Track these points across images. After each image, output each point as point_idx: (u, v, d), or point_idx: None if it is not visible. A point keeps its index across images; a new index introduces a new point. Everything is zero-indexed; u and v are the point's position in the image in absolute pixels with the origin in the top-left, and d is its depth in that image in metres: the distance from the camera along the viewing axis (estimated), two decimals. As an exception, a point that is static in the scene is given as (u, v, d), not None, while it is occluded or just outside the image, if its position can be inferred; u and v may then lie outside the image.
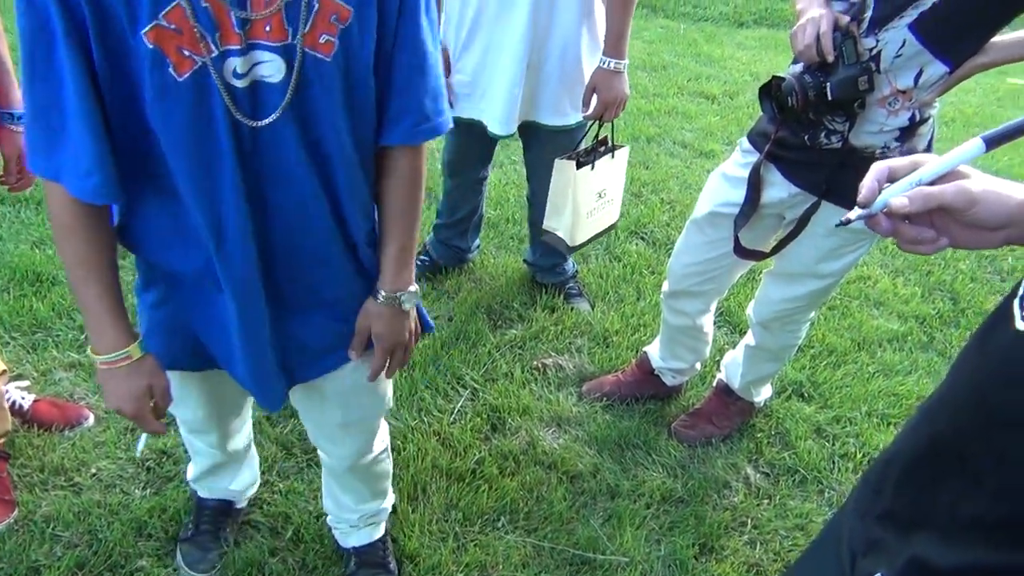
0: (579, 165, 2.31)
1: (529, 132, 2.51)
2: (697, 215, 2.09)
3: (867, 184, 0.83)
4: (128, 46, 1.02)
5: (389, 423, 2.28)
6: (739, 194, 1.94)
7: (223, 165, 1.12)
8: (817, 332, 2.89)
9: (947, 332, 3.04)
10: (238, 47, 1.05)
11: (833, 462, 2.37)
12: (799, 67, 1.69)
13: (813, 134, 1.78)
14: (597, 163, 2.35)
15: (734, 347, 2.50)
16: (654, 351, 2.50)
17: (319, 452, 1.73)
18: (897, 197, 0.80)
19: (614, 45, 2.23)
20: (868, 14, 1.63)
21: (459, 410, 2.38)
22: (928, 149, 1.80)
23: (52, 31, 1.00)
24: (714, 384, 2.49)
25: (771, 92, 1.74)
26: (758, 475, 2.30)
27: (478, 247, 3.04)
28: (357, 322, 1.37)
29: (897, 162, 0.84)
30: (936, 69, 1.63)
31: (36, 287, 2.60)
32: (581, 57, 2.32)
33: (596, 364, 2.63)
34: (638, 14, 7.44)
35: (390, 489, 1.87)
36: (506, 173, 3.67)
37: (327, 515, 1.90)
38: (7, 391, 2.04)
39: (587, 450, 2.30)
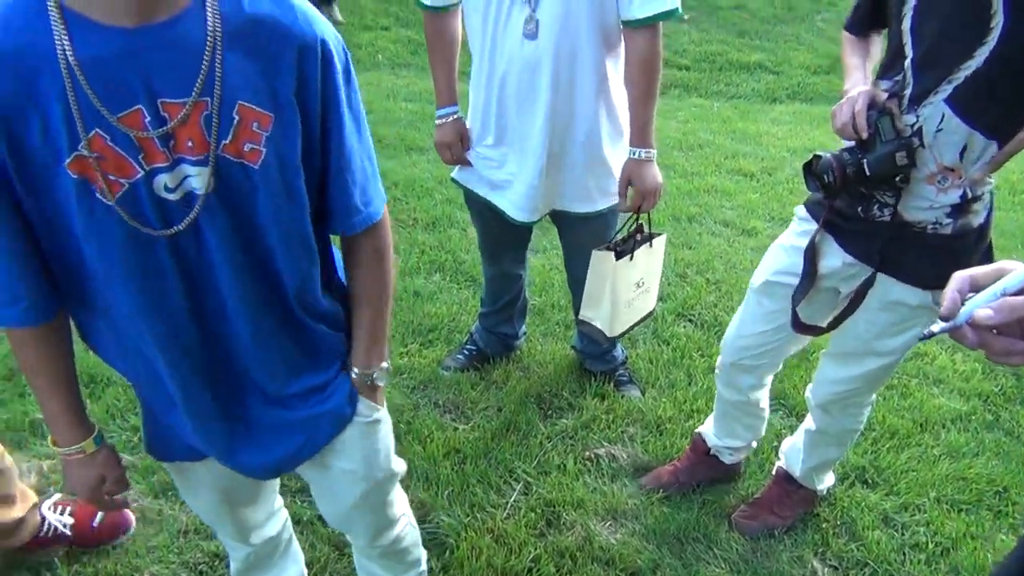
0: (617, 256, 2.29)
1: (560, 219, 2.51)
2: (754, 284, 2.09)
3: (948, 295, 0.81)
4: (52, 180, 1.05)
5: (441, 519, 2.24)
6: (795, 263, 1.94)
7: (166, 278, 1.15)
8: (877, 414, 2.80)
9: (1013, 410, 2.93)
10: (165, 164, 1.08)
11: (904, 553, 2.27)
12: (843, 144, 1.72)
13: (866, 206, 1.79)
14: (635, 252, 2.33)
15: (791, 432, 2.44)
16: (708, 430, 2.44)
17: (346, 535, 1.72)
18: (981, 309, 0.78)
19: (640, 135, 2.23)
20: (908, 91, 1.65)
21: (512, 504, 2.33)
22: (985, 225, 1.77)
23: None
24: (774, 472, 2.42)
25: (812, 169, 1.76)
26: (826, 569, 2.21)
27: (524, 334, 3.02)
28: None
29: (979, 271, 0.81)
30: (980, 143, 1.62)
31: (91, 388, 2.62)
32: (603, 142, 2.31)
33: (650, 453, 2.57)
34: (671, 94, 7.56)
35: (422, 555, 1.82)
36: (549, 258, 3.68)
37: None
38: (45, 516, 2.04)
39: (646, 545, 2.23)
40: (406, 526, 1.71)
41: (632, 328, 2.50)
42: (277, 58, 1.10)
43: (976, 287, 0.81)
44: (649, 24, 2.09)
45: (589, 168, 2.34)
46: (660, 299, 3.48)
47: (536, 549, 2.18)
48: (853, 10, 1.92)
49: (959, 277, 0.82)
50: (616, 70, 2.25)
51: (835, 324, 1.96)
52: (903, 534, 2.33)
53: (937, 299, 1.79)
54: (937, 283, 1.78)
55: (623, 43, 2.21)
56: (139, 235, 1.10)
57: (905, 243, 1.77)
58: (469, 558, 2.13)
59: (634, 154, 2.24)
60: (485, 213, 2.48)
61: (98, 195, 1.05)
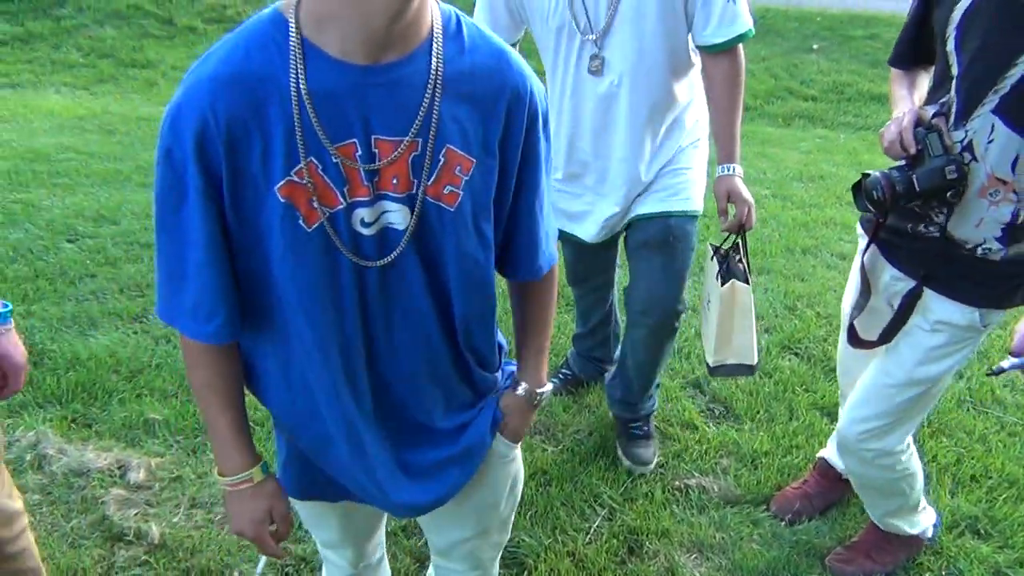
0: (724, 280, 2.18)
1: (633, 225, 2.38)
2: (844, 309, 2.10)
3: (1019, 333, 0.78)
4: (261, 201, 1.07)
5: (522, 539, 2.23)
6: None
7: (347, 311, 1.16)
8: (996, 461, 2.62)
9: None
10: (366, 198, 1.10)
11: (1016, 611, 2.11)
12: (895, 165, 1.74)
13: (915, 223, 1.78)
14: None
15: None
16: (834, 457, 2.37)
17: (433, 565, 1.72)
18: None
19: (727, 152, 2.20)
20: (955, 107, 1.66)
21: (595, 530, 2.30)
22: None
23: (186, 186, 1.06)
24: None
25: (864, 189, 1.77)
26: (926, 621, 2.07)
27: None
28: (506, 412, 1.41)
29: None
30: None
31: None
32: (684, 155, 2.32)
33: (743, 487, 2.49)
34: (796, 125, 7.37)
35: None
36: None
37: None
38: None
39: (731, 581, 2.16)
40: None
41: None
42: (489, 106, 1.13)
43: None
44: (728, 49, 2.11)
45: (667, 180, 2.32)
46: (766, 331, 3.39)
47: (616, 576, 2.15)
48: (896, 44, 1.94)
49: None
50: (689, 89, 2.25)
51: (886, 337, 1.91)
52: (1017, 591, 2.17)
53: (986, 320, 1.78)
54: (985, 302, 1.76)
55: (693, 61, 2.21)
56: (331, 265, 1.13)
57: (953, 261, 1.76)
58: (547, 580, 2.11)
59: (725, 170, 2.20)
60: (563, 238, 2.45)
61: (300, 222, 1.08)
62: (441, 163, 1.11)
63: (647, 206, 2.31)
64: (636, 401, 2.58)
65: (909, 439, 2.02)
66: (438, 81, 1.08)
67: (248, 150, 1.05)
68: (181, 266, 1.12)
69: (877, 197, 1.71)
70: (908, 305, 1.85)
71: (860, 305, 1.96)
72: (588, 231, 2.37)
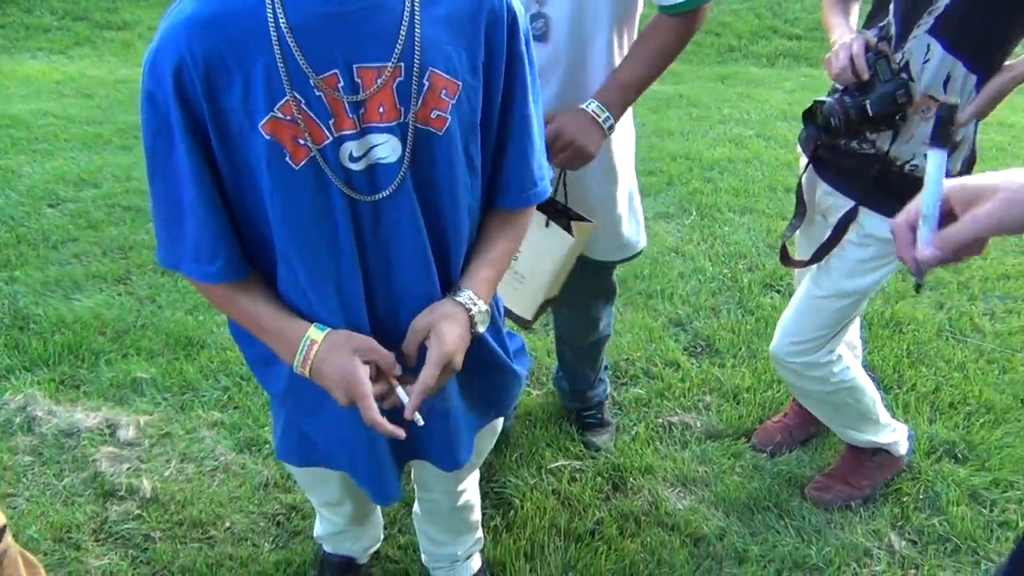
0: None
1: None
2: None
3: (905, 255, 0.89)
4: (246, 139, 1.08)
5: (508, 480, 2.28)
6: None
7: (343, 246, 1.16)
8: (973, 387, 2.66)
9: None
10: (353, 131, 1.10)
11: (991, 530, 2.15)
12: (838, 91, 1.76)
13: (848, 140, 1.83)
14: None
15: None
16: None
17: (417, 500, 1.77)
18: (927, 251, 0.86)
19: (613, 94, 1.76)
20: (892, 31, 1.71)
21: (579, 468, 2.34)
22: (966, 171, 1.81)
23: (171, 128, 1.06)
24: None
25: (814, 116, 1.79)
26: (903, 543, 2.12)
27: None
28: (416, 319, 1.23)
29: (906, 215, 0.91)
30: (961, 73, 1.67)
31: (187, 351, 2.79)
32: (612, 149, 1.92)
33: (725, 422, 2.53)
34: (780, 64, 7.31)
35: (480, 516, 1.88)
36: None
37: (423, 556, 1.94)
38: None
39: (714, 512, 2.20)
40: (475, 485, 1.77)
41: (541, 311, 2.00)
42: (468, 28, 1.12)
43: (913, 224, 0.89)
44: (691, 10, 1.73)
45: (609, 196, 1.97)
46: (749, 270, 3.41)
47: (600, 512, 2.19)
48: None
49: (901, 233, 0.90)
50: (623, 50, 1.85)
51: (818, 256, 1.95)
52: (992, 511, 2.21)
53: None
54: None
55: (634, 21, 1.85)
56: (319, 201, 1.12)
57: (883, 177, 1.81)
58: (533, 517, 2.16)
59: (590, 105, 1.74)
60: None
61: (287, 159, 1.08)
62: (426, 87, 1.11)
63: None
64: (584, 389, 2.46)
65: (840, 350, 2.06)
66: (415, 3, 1.08)
67: (228, 87, 1.05)
68: (177, 209, 1.12)
69: (834, 124, 1.72)
70: (843, 226, 1.89)
71: (794, 226, 2.02)
72: None
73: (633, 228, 2.07)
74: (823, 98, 1.76)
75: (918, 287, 0.90)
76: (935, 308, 3.15)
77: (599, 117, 1.73)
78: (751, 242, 3.63)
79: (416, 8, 1.08)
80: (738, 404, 2.61)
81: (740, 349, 2.87)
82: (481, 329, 1.27)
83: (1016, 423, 2.53)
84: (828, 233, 1.91)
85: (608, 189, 1.96)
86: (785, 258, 2.05)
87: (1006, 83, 1.66)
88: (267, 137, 1.06)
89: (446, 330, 1.20)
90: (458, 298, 1.24)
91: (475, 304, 1.24)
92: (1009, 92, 1.68)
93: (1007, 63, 1.68)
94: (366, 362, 1.18)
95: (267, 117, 1.06)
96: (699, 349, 2.90)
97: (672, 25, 1.74)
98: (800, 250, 2.11)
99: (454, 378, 1.32)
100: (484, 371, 1.39)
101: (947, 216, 0.86)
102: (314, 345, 1.18)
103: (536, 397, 2.63)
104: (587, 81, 1.79)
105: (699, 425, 2.52)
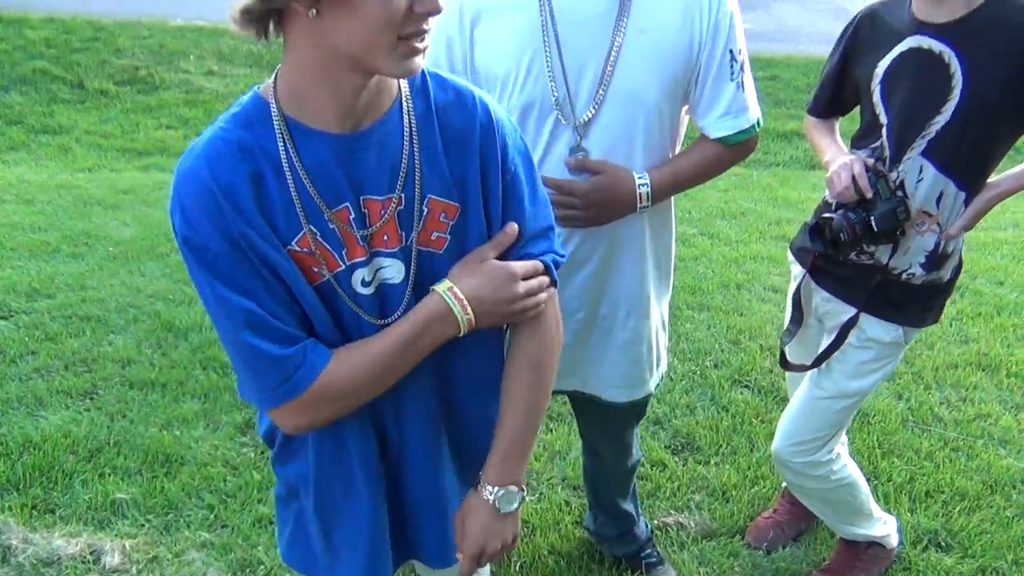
0: None
1: (583, 402, 2.02)
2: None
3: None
4: (272, 259, 1.10)
5: (516, 592, 2.25)
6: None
7: None
8: (945, 475, 2.78)
9: (1084, 469, 2.89)
10: (363, 258, 1.15)
11: (986, 618, 2.23)
12: (839, 208, 1.89)
13: (846, 253, 1.95)
14: None
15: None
16: None
17: None
18: None
19: (662, 174, 1.71)
20: (887, 154, 1.86)
21: (584, 574, 2.34)
22: (950, 282, 1.98)
23: (219, 261, 1.08)
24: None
25: (821, 232, 1.92)
26: (906, 635, 2.18)
27: None
28: (455, 518, 1.34)
29: None
30: (952, 191, 1.83)
31: (166, 468, 2.70)
32: (650, 302, 1.87)
33: (717, 520, 2.57)
34: (709, 164, 7.65)
35: None
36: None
37: None
38: None
39: (721, 613, 2.22)
40: None
41: None
42: (464, 146, 1.19)
43: None
44: (735, 144, 1.73)
45: (632, 342, 1.88)
46: (715, 366, 3.51)
47: (611, 619, 2.19)
48: (815, 97, 2.13)
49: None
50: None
51: (820, 361, 2.05)
52: (982, 599, 2.30)
53: (907, 336, 1.99)
54: (908, 321, 1.98)
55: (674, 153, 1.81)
56: (331, 323, 1.16)
57: (882, 286, 1.94)
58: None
59: (638, 180, 1.69)
60: None
61: (303, 282, 1.13)
62: (426, 213, 1.17)
63: (608, 388, 1.94)
64: (631, 527, 2.35)
65: (838, 449, 2.16)
66: (413, 136, 1.15)
67: (253, 217, 1.08)
68: (264, 326, 1.10)
69: (843, 239, 1.85)
70: (845, 332, 2.00)
71: (792, 332, 2.12)
72: None
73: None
74: (829, 214, 1.89)
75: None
76: (895, 398, 3.29)
77: (638, 183, 1.68)
78: (713, 339, 3.75)
79: (415, 140, 1.15)
80: (727, 502, 2.66)
81: (721, 446, 2.94)
82: (506, 510, 1.29)
83: (989, 509, 2.65)
84: (828, 338, 2.02)
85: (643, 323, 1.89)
86: (785, 362, 2.15)
87: (991, 199, 1.84)
88: (294, 262, 1.11)
89: (470, 523, 1.30)
90: (481, 493, 1.29)
91: (492, 493, 1.28)
92: (993, 207, 1.84)
93: (989, 180, 1.85)
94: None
95: (286, 249, 1.10)
96: (681, 447, 2.96)
97: (723, 154, 1.75)
98: (792, 353, 2.21)
99: (448, 464, 1.37)
100: (472, 433, 1.40)
101: None
102: (451, 289, 1.18)
103: (530, 503, 2.62)
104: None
105: (693, 525, 2.56)
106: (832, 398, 2.04)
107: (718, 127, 1.71)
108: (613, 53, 1.59)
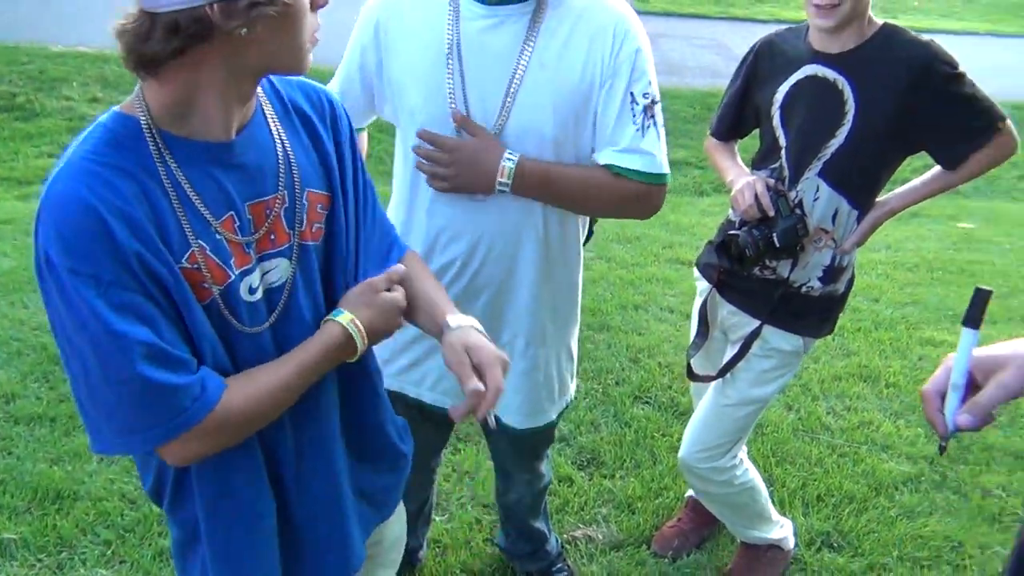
0: None
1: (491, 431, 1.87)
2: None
3: (935, 419, 0.97)
4: (164, 278, 1.07)
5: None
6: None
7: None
8: (833, 480, 2.93)
9: (957, 470, 3.10)
10: (251, 265, 1.16)
11: (876, 611, 2.36)
12: (743, 226, 1.99)
13: (750, 269, 2.06)
14: None
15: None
16: None
17: None
18: (963, 418, 0.95)
19: (535, 167, 1.66)
20: (786, 174, 1.98)
21: (497, 592, 2.36)
22: (843, 295, 2.12)
23: (108, 286, 1.01)
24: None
25: (728, 249, 2.02)
26: (805, 632, 2.28)
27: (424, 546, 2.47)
28: (449, 360, 1.25)
29: (934, 384, 0.99)
30: (846, 209, 1.97)
31: (58, 505, 2.58)
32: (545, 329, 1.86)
33: (625, 532, 2.64)
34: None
35: None
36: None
37: None
38: None
39: (630, 621, 2.28)
40: None
41: None
42: (318, 135, 1.25)
43: (941, 391, 0.98)
44: (621, 176, 1.65)
45: (531, 370, 1.88)
46: (617, 383, 3.60)
47: (524, 633, 2.21)
48: (719, 120, 2.25)
49: (930, 398, 0.99)
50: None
51: (725, 371, 2.16)
52: (872, 593, 2.43)
53: (807, 346, 2.12)
54: (807, 332, 2.11)
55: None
56: (225, 338, 1.14)
57: (784, 299, 2.06)
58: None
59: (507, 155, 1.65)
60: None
61: (192, 300, 1.09)
62: (307, 206, 1.21)
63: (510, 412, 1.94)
64: (543, 544, 2.37)
65: (740, 455, 2.27)
66: (280, 134, 1.19)
67: (146, 235, 1.03)
68: (164, 356, 1.05)
69: (748, 254, 1.95)
70: (749, 343, 2.11)
71: (698, 344, 2.22)
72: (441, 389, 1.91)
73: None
74: (734, 232, 1.99)
75: (942, 450, 1.04)
76: (786, 409, 3.45)
77: (505, 157, 1.62)
78: (614, 358, 3.85)
79: (283, 137, 1.19)
80: (633, 513, 2.73)
81: (625, 460, 3.02)
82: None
83: (875, 510, 2.81)
84: (732, 349, 2.12)
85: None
86: (692, 374, 2.24)
87: (881, 217, 1.99)
88: (184, 280, 1.08)
89: (473, 344, 1.24)
90: (453, 327, 1.28)
91: (468, 321, 1.30)
92: (883, 224, 2.00)
93: (879, 199, 2.00)
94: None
95: (177, 266, 1.07)
96: (586, 463, 3.02)
97: (606, 180, 1.66)
98: (697, 365, 2.30)
99: (345, 475, 1.37)
100: (375, 456, 1.44)
101: (971, 385, 0.97)
102: (352, 321, 1.22)
103: (441, 523, 2.63)
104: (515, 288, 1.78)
105: (601, 537, 2.61)
106: (736, 405, 2.14)
107: (606, 156, 1.65)
108: (514, 85, 1.61)
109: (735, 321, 2.15)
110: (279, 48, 1.03)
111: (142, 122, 1.05)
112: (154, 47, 0.98)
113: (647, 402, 3.47)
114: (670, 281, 4.91)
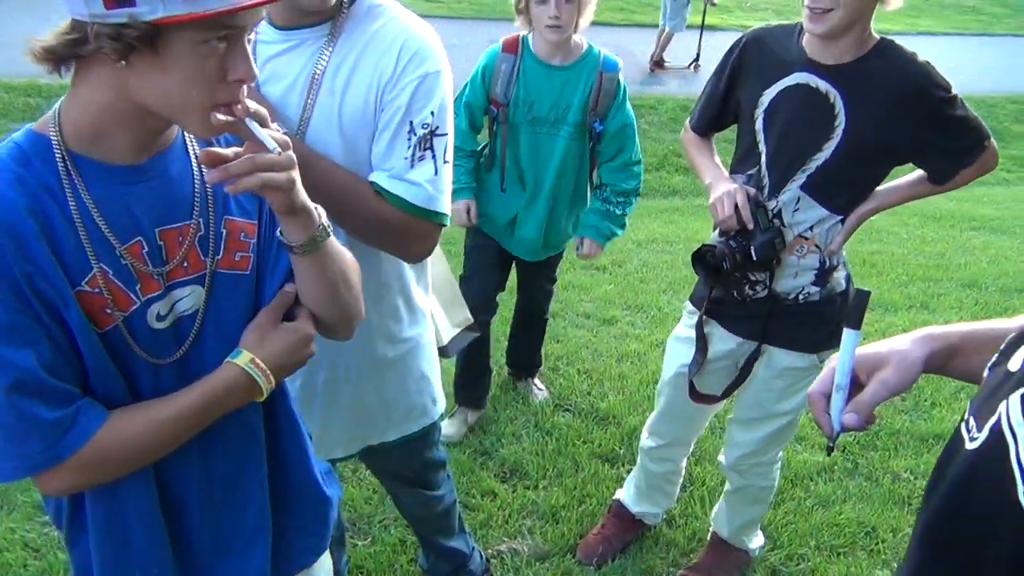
0: None
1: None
2: (665, 377, 2.32)
3: (821, 420, 0.99)
4: (58, 307, 1.04)
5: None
6: (692, 351, 2.17)
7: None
8: (751, 475, 2.99)
9: (868, 456, 3.20)
10: (159, 292, 1.12)
11: (797, 601, 2.41)
12: (721, 236, 1.96)
13: (740, 289, 2.04)
14: None
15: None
16: (629, 498, 2.62)
17: None
18: (848, 417, 0.96)
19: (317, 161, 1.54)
20: (766, 183, 1.94)
21: (423, 613, 2.32)
22: (847, 290, 2.06)
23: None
24: (708, 537, 2.58)
25: (704, 259, 1.97)
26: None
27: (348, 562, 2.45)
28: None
29: (820, 385, 1.00)
30: (828, 217, 1.96)
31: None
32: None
33: (550, 542, 2.63)
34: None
35: None
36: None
37: None
38: None
39: (559, 632, 2.27)
40: None
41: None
42: None
43: (826, 392, 1.00)
44: (380, 194, 1.52)
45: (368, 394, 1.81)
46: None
47: (453, 654, 2.18)
48: (699, 114, 2.17)
49: (816, 400, 1.01)
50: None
51: (727, 393, 2.19)
52: (793, 584, 2.48)
53: (822, 357, 2.07)
54: (818, 346, 2.05)
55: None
56: (125, 369, 1.10)
57: (783, 316, 2.04)
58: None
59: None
60: None
61: (91, 328, 1.06)
62: (224, 235, 1.17)
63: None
64: (465, 563, 2.35)
65: (781, 454, 2.34)
66: (198, 159, 1.16)
67: (39, 255, 1.01)
68: (38, 386, 1.02)
69: (726, 267, 1.92)
70: (749, 364, 2.12)
71: (698, 361, 2.16)
72: None
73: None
74: (712, 243, 1.95)
75: (830, 450, 1.06)
76: (703, 409, 3.51)
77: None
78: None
79: (202, 166, 1.15)
80: (558, 523, 2.73)
81: (548, 470, 3.02)
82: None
83: (792, 501, 2.88)
84: (734, 373, 2.15)
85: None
86: (694, 393, 2.19)
87: (865, 214, 1.98)
88: (80, 308, 1.05)
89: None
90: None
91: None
92: (867, 219, 2.00)
93: None
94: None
95: (75, 290, 1.04)
96: (509, 474, 3.01)
97: (368, 193, 1.53)
98: (699, 382, 2.23)
99: (264, 525, 1.31)
100: (297, 496, 1.39)
101: (855, 384, 0.99)
102: (252, 361, 1.16)
103: (363, 548, 2.58)
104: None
105: (527, 549, 2.61)
106: (766, 419, 2.21)
107: (375, 175, 1.53)
108: (306, 112, 1.54)
109: (731, 344, 2.15)
110: (159, 94, 1.00)
111: (53, 141, 1.04)
112: (51, 41, 0.99)
113: (567, 409, 3.49)
114: (585, 287, 4.95)
